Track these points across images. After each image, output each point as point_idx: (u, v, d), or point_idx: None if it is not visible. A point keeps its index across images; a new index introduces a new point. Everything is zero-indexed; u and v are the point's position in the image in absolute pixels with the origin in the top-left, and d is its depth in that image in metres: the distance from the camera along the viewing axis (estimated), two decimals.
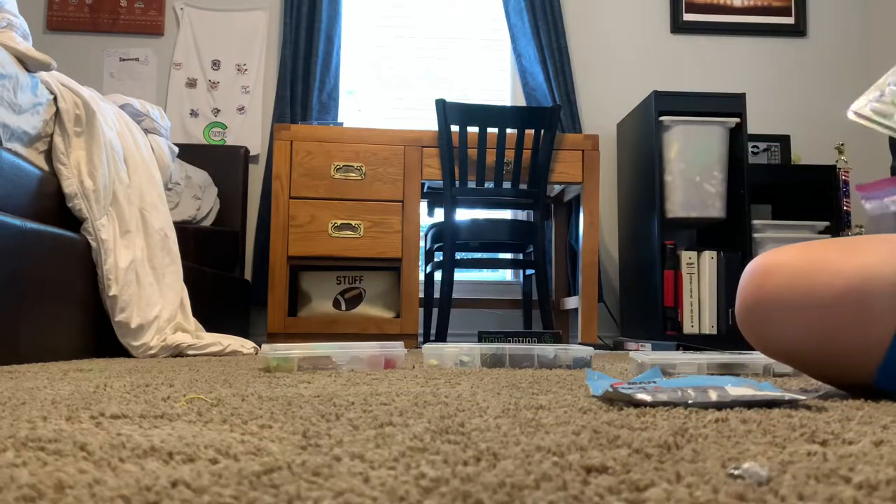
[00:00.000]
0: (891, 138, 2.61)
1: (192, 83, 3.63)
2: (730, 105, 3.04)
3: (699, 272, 2.98)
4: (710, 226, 3.21)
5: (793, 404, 0.80)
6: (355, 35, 3.80)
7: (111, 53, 3.65)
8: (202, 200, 3.05)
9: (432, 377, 1.26)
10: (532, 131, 2.91)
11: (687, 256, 2.99)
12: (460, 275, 3.66)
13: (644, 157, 3.13)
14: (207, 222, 3.12)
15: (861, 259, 0.85)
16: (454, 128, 3.21)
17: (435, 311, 3.43)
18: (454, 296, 3.56)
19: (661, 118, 3.00)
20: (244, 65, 3.66)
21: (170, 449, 0.51)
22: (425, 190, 3.19)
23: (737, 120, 3.02)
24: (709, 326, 2.95)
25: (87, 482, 0.41)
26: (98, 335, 1.95)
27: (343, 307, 2.92)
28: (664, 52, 3.81)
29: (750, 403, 0.78)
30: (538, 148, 2.85)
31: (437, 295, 3.26)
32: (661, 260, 2.96)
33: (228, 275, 3.06)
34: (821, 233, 3.16)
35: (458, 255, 3.07)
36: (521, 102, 3.70)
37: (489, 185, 2.92)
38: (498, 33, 3.82)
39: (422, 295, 3.23)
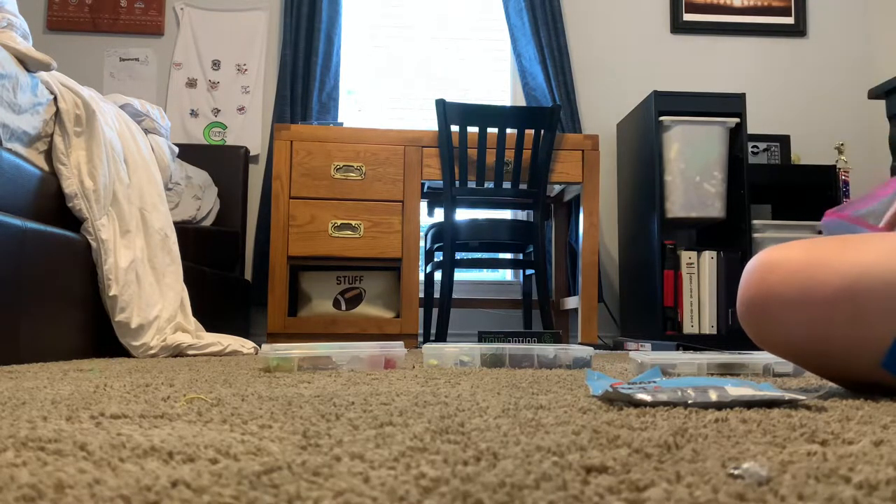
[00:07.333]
0: (891, 138, 2.61)
1: (192, 83, 3.63)
2: (730, 105, 3.04)
3: (699, 272, 2.98)
4: (710, 226, 3.21)
5: (793, 404, 0.80)
6: (355, 35, 3.79)
7: (111, 53, 3.65)
8: (202, 200, 3.05)
9: (432, 377, 1.26)
10: (532, 131, 2.91)
11: (687, 256, 2.99)
12: (460, 275, 3.66)
13: (644, 157, 3.13)
14: (207, 222, 3.12)
15: (856, 256, 0.85)
16: (454, 128, 3.21)
17: (435, 311, 3.43)
18: (454, 296, 3.56)
19: (661, 118, 3.00)
20: (244, 65, 3.66)
21: (170, 449, 0.51)
22: (425, 190, 3.19)
23: (736, 120, 3.02)
24: (709, 326, 2.95)
25: (87, 482, 0.41)
26: (98, 335, 1.95)
27: (343, 307, 2.92)
28: (664, 52, 3.81)
29: (750, 403, 0.78)
30: (538, 148, 2.85)
31: (437, 295, 3.26)
32: (661, 260, 2.96)
33: (228, 275, 3.06)
34: (820, 233, 3.16)
35: (458, 255, 3.07)
36: (521, 102, 3.70)
37: (489, 185, 2.92)
38: (498, 33, 3.82)
39: (422, 295, 3.23)
